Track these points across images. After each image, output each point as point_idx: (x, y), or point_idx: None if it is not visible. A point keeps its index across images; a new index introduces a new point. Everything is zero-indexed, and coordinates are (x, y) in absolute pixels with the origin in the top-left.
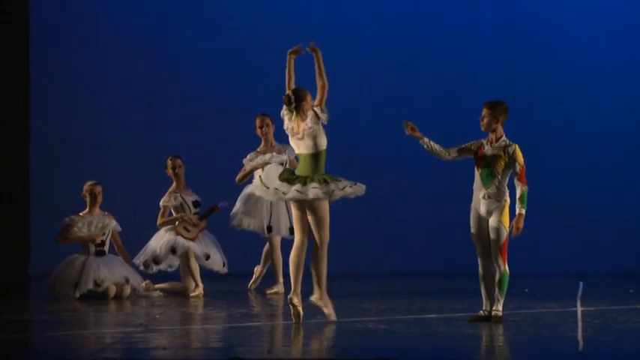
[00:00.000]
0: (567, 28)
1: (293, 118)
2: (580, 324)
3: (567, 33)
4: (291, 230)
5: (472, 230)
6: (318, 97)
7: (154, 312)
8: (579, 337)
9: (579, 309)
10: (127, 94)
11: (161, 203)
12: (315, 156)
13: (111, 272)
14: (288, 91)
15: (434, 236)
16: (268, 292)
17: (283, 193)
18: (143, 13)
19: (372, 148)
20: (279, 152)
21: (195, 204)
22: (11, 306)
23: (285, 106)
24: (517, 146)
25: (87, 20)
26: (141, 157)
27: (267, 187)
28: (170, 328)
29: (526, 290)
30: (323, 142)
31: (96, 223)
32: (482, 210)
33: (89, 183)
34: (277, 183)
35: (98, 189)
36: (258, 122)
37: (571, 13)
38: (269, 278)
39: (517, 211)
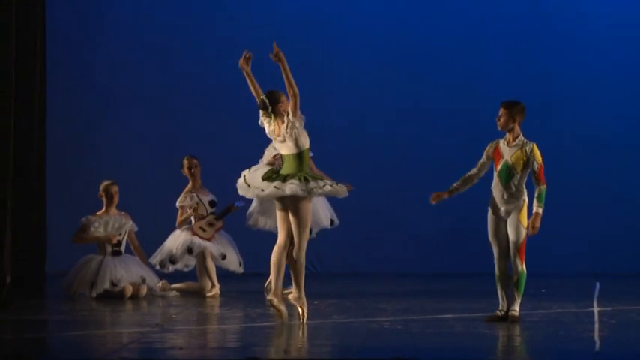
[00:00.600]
0: (586, 25)
1: (272, 121)
2: (597, 324)
3: (586, 31)
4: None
5: (489, 230)
6: (290, 106)
7: (170, 312)
8: (596, 337)
9: (596, 309)
10: (143, 93)
11: (177, 204)
12: (297, 156)
13: (127, 272)
14: (261, 96)
15: (450, 236)
16: (285, 292)
17: (262, 190)
18: (159, 12)
19: (387, 149)
20: None
21: (212, 204)
22: (28, 306)
23: (261, 112)
24: (535, 145)
25: (103, 20)
26: (157, 156)
27: (249, 186)
28: (186, 328)
29: (543, 290)
30: (305, 143)
31: (112, 223)
32: (501, 209)
33: (106, 183)
34: (258, 181)
35: (115, 189)
36: None
37: (589, 12)
38: (285, 278)
39: (534, 210)
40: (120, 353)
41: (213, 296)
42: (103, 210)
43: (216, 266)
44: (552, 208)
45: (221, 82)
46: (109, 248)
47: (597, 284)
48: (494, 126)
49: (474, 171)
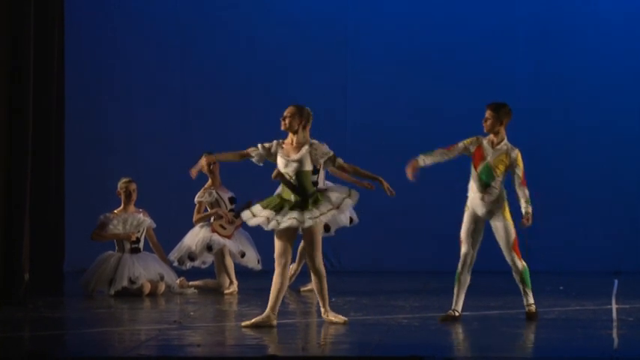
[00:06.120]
0: (602, 24)
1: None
2: (615, 322)
3: (602, 32)
4: (326, 228)
5: (464, 229)
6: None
7: (188, 309)
8: (614, 335)
9: (614, 307)
10: (162, 91)
11: (196, 199)
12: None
13: (146, 269)
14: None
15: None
16: (303, 289)
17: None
18: (179, 10)
19: (406, 148)
20: None
21: (232, 200)
22: (46, 303)
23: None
24: (519, 152)
25: (121, 19)
26: (176, 154)
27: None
28: (204, 326)
29: (561, 288)
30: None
31: (131, 220)
32: (481, 211)
33: (124, 180)
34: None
35: (133, 186)
36: None
37: (607, 11)
38: (304, 276)
39: (528, 210)
40: (138, 351)
41: (231, 293)
42: (121, 207)
43: (235, 263)
44: (571, 207)
45: (240, 80)
46: (127, 246)
47: (616, 282)
48: (514, 124)
49: (448, 150)
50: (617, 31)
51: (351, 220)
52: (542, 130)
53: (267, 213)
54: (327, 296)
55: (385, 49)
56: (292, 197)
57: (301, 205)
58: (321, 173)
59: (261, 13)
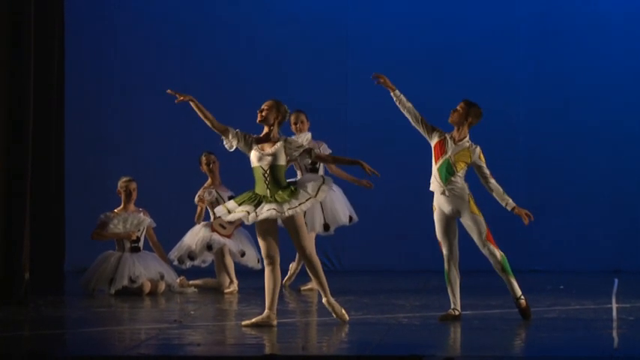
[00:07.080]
0: (602, 24)
1: None
2: (615, 321)
3: (602, 32)
4: (326, 227)
5: (438, 230)
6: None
7: (188, 308)
8: (614, 334)
9: (614, 306)
10: (162, 89)
11: (196, 199)
12: None
13: (146, 268)
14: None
15: (467, 233)
16: (303, 288)
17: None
18: (179, 10)
19: (406, 147)
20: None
21: (231, 199)
22: (46, 302)
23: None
24: (480, 148)
25: (122, 17)
26: (175, 153)
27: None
28: (205, 325)
29: (561, 287)
30: None
31: (131, 219)
32: (447, 209)
33: (124, 179)
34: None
35: (133, 185)
36: (292, 119)
37: (610, 10)
38: (304, 275)
39: (512, 206)
40: (138, 350)
41: (231, 293)
42: (122, 206)
43: (235, 262)
44: (572, 207)
45: (240, 80)
46: (127, 245)
47: (616, 281)
48: (514, 124)
49: (418, 113)
50: (617, 31)
51: (351, 218)
52: (542, 130)
53: (246, 207)
54: (326, 284)
55: (385, 49)
56: (267, 192)
57: (277, 199)
58: (321, 171)
59: (261, 12)
